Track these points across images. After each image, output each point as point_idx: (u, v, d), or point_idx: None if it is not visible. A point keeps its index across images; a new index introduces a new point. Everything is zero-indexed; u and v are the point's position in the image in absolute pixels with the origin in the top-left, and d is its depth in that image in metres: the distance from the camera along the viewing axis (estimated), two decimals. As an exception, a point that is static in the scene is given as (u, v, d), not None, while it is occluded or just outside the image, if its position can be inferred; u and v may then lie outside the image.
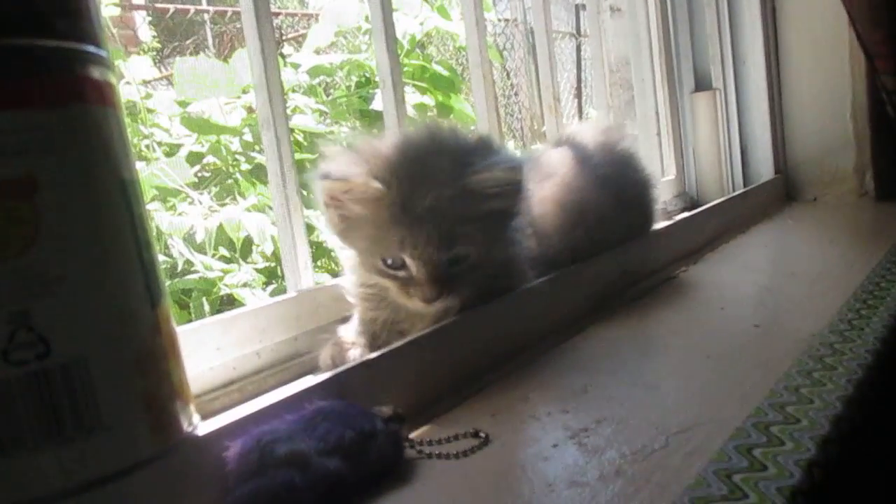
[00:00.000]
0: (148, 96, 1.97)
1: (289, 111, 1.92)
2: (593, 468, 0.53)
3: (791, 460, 0.52)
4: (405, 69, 2.06)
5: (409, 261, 0.68)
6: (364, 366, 0.62)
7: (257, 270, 1.67)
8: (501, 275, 0.76)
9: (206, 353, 0.69)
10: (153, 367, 0.45)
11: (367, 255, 0.72)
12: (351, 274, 0.77)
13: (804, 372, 0.67)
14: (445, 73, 2.16)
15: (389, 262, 0.69)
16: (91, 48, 0.45)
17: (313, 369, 0.73)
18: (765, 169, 1.48)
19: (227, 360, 0.70)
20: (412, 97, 2.06)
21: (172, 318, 0.49)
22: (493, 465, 0.56)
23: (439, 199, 0.67)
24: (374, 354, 0.64)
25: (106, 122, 0.45)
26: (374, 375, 0.62)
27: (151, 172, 1.67)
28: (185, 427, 0.48)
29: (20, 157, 0.41)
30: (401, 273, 0.69)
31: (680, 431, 0.58)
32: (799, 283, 0.96)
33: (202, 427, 0.50)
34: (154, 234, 1.42)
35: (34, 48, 0.42)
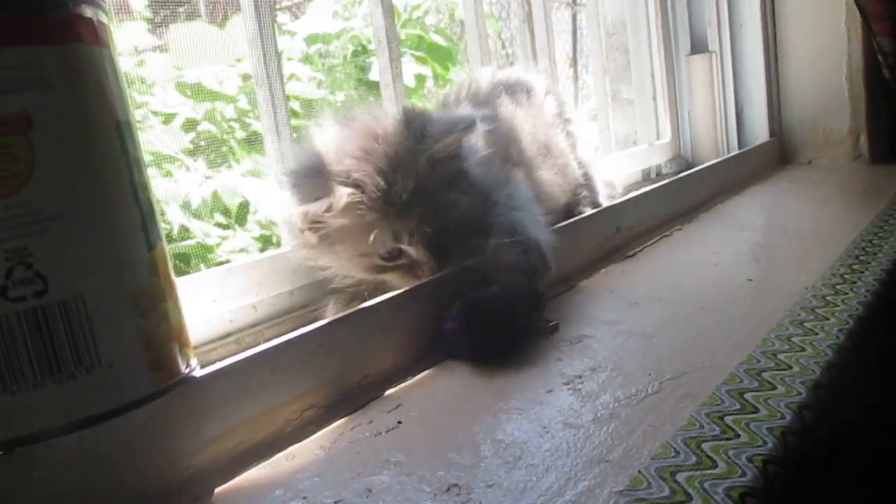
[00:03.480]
0: (141, 63, 1.95)
1: (285, 77, 1.90)
2: (588, 411, 0.54)
3: (782, 403, 0.53)
4: (403, 39, 2.04)
5: (406, 248, 0.69)
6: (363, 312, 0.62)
7: (253, 238, 1.68)
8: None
9: (203, 304, 0.69)
10: (151, 308, 0.46)
11: (358, 260, 0.71)
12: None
13: (796, 322, 0.67)
14: (444, 42, 2.15)
15: (386, 255, 0.69)
16: (85, -14, 0.44)
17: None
18: (760, 132, 1.47)
19: (223, 312, 0.71)
20: (411, 67, 2.05)
21: (170, 261, 0.49)
22: (488, 407, 0.56)
23: (416, 179, 0.67)
24: (390, 294, 0.65)
25: (100, 61, 0.45)
26: (383, 318, 0.63)
27: (146, 139, 1.66)
28: (183, 368, 0.48)
29: (15, 94, 0.41)
30: (401, 261, 0.70)
31: (673, 377, 0.58)
32: (792, 240, 0.96)
33: (199, 370, 0.50)
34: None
35: (28, -17, 0.41)
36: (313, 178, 0.67)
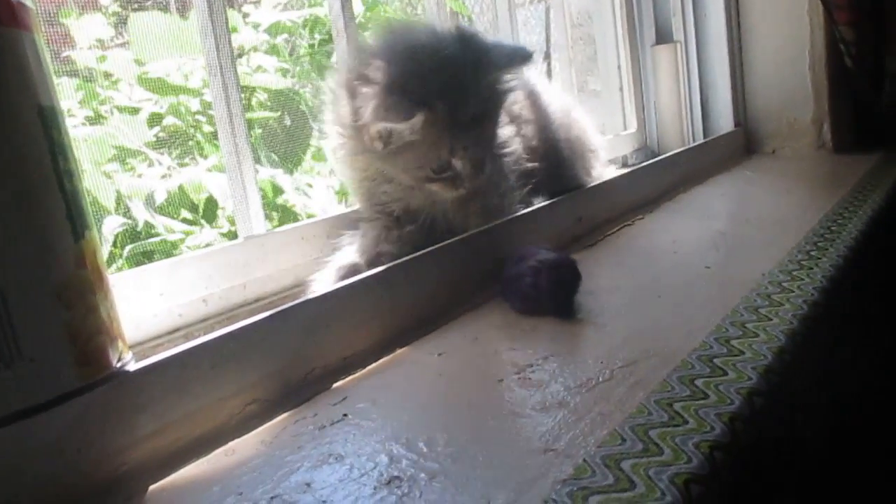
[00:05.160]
0: (102, 59, 1.91)
1: (251, 69, 1.88)
2: (536, 400, 0.53)
3: (732, 388, 0.53)
4: (367, 24, 2.03)
5: (455, 162, 0.76)
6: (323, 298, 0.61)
7: (222, 234, 1.65)
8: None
9: (149, 298, 0.67)
10: (77, 300, 0.44)
11: (412, 171, 0.78)
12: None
13: (751, 308, 0.67)
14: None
15: (436, 168, 0.76)
16: (0, -36, 0.43)
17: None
18: (725, 122, 1.47)
19: (171, 306, 0.69)
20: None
21: (101, 251, 0.47)
22: (437, 398, 0.55)
23: (476, 103, 0.74)
24: (338, 285, 0.64)
25: (20, 45, 0.43)
26: (330, 308, 0.62)
27: (107, 133, 1.62)
28: (115, 362, 0.47)
29: (-76, 77, 0.39)
30: (447, 174, 0.77)
31: (625, 365, 0.58)
32: (752, 228, 0.96)
33: (134, 364, 0.49)
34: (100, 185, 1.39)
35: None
36: (392, 96, 0.71)
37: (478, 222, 0.82)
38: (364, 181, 0.83)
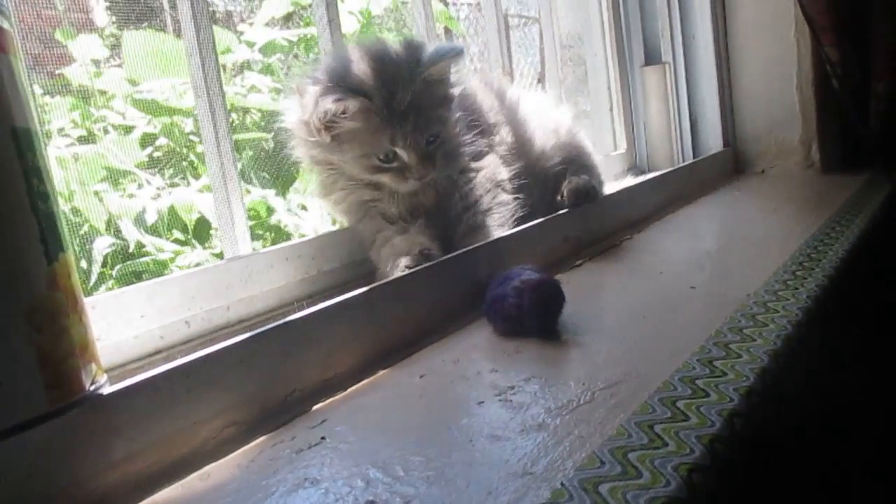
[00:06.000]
0: (97, 75, 1.91)
1: (244, 89, 1.88)
2: (516, 423, 0.53)
3: (713, 410, 0.52)
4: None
5: (400, 151, 0.82)
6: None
7: (214, 255, 1.65)
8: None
9: (130, 320, 0.67)
10: (49, 323, 0.43)
11: (360, 160, 0.83)
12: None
13: (735, 329, 0.67)
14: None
15: (382, 157, 0.82)
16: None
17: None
18: (714, 142, 1.48)
19: (152, 328, 0.68)
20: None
21: (75, 273, 0.47)
22: (417, 421, 0.55)
23: (412, 93, 0.80)
24: (319, 306, 0.63)
25: (-7, 66, 0.43)
26: (311, 330, 0.61)
27: (98, 153, 1.62)
28: (87, 385, 0.46)
29: None
30: (394, 164, 0.83)
31: (606, 387, 0.57)
32: (739, 248, 0.96)
33: (108, 387, 0.48)
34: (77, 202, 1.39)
35: None
36: (332, 87, 0.78)
37: (464, 242, 0.83)
38: (324, 181, 0.89)
